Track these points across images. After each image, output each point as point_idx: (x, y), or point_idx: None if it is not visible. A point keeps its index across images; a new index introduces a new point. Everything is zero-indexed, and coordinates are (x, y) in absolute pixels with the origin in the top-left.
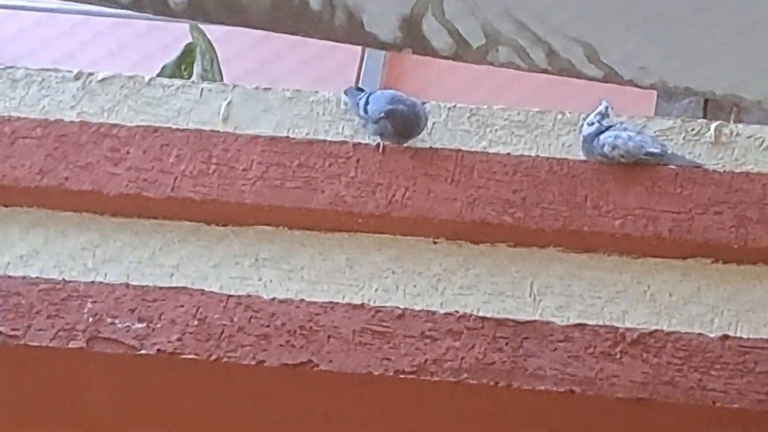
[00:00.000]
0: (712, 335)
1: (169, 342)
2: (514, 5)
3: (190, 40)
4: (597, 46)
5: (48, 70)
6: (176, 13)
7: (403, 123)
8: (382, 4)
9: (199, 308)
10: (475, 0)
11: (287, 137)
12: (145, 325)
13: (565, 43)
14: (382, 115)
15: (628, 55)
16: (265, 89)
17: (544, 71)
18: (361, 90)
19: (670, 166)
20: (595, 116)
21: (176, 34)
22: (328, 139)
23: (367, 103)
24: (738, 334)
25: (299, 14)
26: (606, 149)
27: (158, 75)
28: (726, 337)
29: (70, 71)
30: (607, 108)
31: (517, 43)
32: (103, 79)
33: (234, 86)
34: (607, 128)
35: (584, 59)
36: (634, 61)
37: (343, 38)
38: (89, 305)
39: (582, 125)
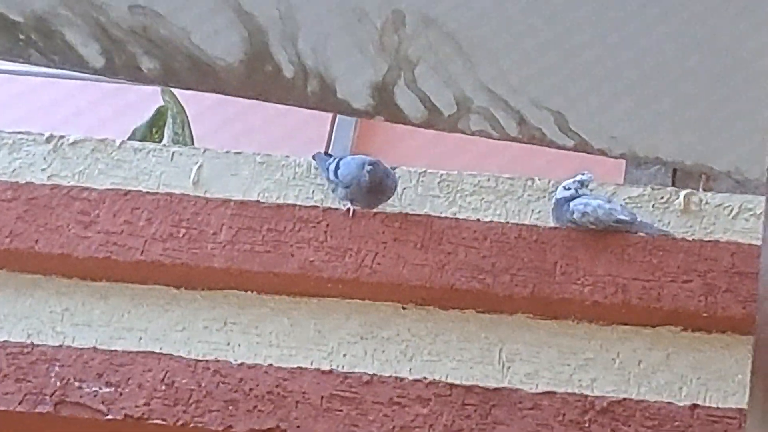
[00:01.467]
0: (680, 404)
1: (137, 407)
2: (486, 75)
3: (160, 101)
4: (568, 115)
5: (19, 132)
6: (149, 80)
7: (373, 188)
8: (354, 72)
9: (167, 373)
10: (447, 69)
11: (257, 201)
12: (112, 389)
13: (536, 112)
14: (354, 179)
15: (599, 125)
16: (236, 153)
17: (515, 139)
18: (330, 155)
19: (640, 234)
20: (573, 183)
21: (145, 94)
22: (298, 203)
23: (337, 167)
24: (707, 403)
25: (272, 81)
26: (576, 216)
27: (129, 138)
28: (695, 406)
29: (41, 134)
30: (587, 179)
31: (488, 112)
32: (74, 142)
33: (205, 150)
34: (578, 196)
35: (555, 128)
36: (605, 131)
37: (315, 105)
38: (57, 369)
39: (556, 190)
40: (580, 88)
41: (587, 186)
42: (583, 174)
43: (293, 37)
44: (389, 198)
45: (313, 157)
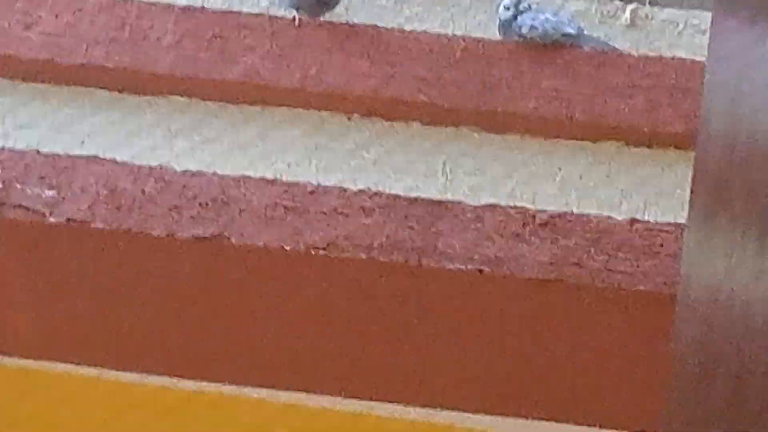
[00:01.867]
0: (620, 218)
1: (79, 210)
2: None
3: None
4: None
5: None
6: None
7: None
8: None
9: (110, 178)
10: None
11: (202, 7)
12: (54, 192)
13: None
14: None
15: None
16: None
17: None
18: None
19: (585, 48)
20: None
21: None
22: (244, 10)
23: None
24: (646, 218)
25: None
26: (524, 30)
27: None
28: (634, 220)
29: None
30: None
31: None
32: None
33: None
34: (524, 10)
35: None
36: None
37: None
38: None
39: (499, 5)
40: None
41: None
42: None
43: None
44: (336, 5)
45: None
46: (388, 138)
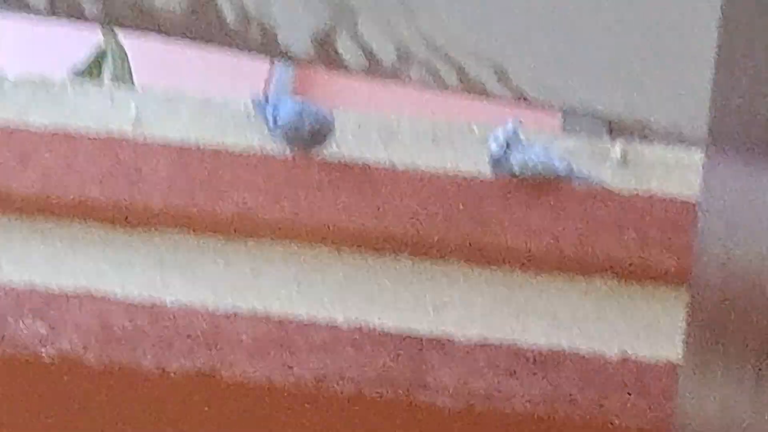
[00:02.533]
0: (611, 355)
1: (72, 347)
2: (427, 26)
3: (100, 37)
4: (508, 67)
5: None
6: (91, 19)
7: (311, 131)
8: (296, 20)
9: (102, 312)
10: (389, 19)
11: (196, 144)
12: (47, 327)
13: (476, 63)
14: (292, 125)
15: (538, 78)
16: (176, 95)
17: (455, 90)
18: (266, 100)
19: (575, 185)
20: (501, 133)
21: (86, 34)
22: (237, 146)
23: (275, 111)
24: (639, 355)
25: (214, 27)
26: (515, 167)
27: (68, 76)
28: (626, 358)
29: None
30: (515, 128)
31: (429, 63)
32: (14, 82)
33: (145, 90)
34: (515, 147)
35: (494, 80)
36: (544, 83)
37: (256, 51)
38: None
39: (489, 142)
40: (521, 41)
41: (516, 134)
42: (508, 123)
43: None
44: (327, 141)
45: (252, 102)
46: (378, 272)
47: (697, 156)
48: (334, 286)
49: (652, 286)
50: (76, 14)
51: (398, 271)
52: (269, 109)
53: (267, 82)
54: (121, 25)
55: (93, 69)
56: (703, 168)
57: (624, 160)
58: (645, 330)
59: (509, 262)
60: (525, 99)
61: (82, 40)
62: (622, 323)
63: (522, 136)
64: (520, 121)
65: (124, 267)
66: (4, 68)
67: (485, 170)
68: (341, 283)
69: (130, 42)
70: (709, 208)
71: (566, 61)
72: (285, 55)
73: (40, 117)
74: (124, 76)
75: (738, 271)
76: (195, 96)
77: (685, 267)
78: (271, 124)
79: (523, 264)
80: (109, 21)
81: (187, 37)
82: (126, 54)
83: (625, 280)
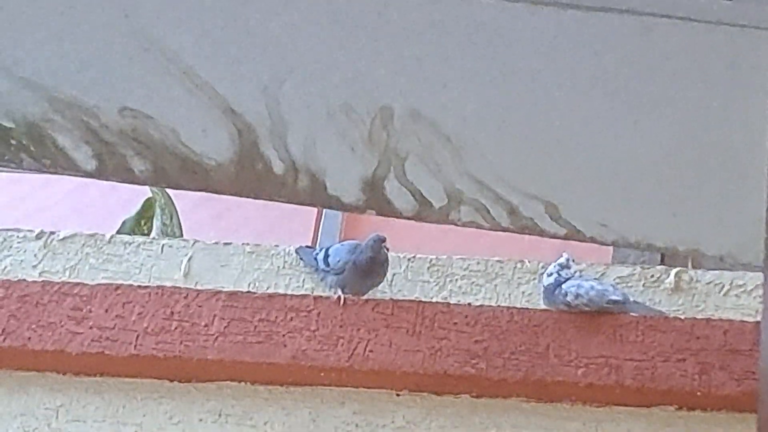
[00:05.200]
0: None
1: None
2: (476, 167)
3: (148, 192)
4: (559, 205)
5: (9, 229)
6: (141, 180)
7: (368, 269)
8: (344, 168)
9: None
10: (437, 162)
11: (248, 292)
12: None
13: (526, 201)
14: (346, 264)
15: (590, 214)
16: (225, 244)
17: (507, 229)
18: (311, 248)
19: (632, 314)
20: (555, 267)
21: (135, 188)
22: (289, 292)
23: (326, 255)
24: None
25: (263, 178)
26: (569, 298)
27: (118, 230)
28: None
29: (31, 230)
30: (567, 260)
31: (478, 203)
32: (64, 238)
33: (194, 242)
34: (568, 278)
35: (546, 218)
36: (596, 219)
37: (306, 201)
38: None
39: (542, 275)
40: (571, 178)
41: (569, 267)
42: (561, 256)
43: (282, 134)
44: (380, 282)
45: (297, 251)
46: (438, 413)
47: (752, 279)
48: (395, 429)
49: (714, 413)
50: (125, 174)
51: (458, 409)
52: (320, 255)
53: (315, 229)
54: (170, 184)
55: (142, 223)
56: (763, 289)
57: (678, 287)
58: None
59: (570, 395)
60: (578, 236)
61: (131, 194)
62: None
63: (575, 267)
64: (572, 258)
65: (182, 420)
66: (55, 225)
67: (539, 304)
68: (401, 425)
69: (178, 193)
70: None
71: (617, 195)
72: (334, 203)
73: (92, 273)
74: (173, 228)
75: None
76: (244, 244)
77: (747, 391)
78: (323, 268)
79: (583, 397)
80: (158, 180)
81: (236, 189)
82: (174, 206)
83: (688, 408)
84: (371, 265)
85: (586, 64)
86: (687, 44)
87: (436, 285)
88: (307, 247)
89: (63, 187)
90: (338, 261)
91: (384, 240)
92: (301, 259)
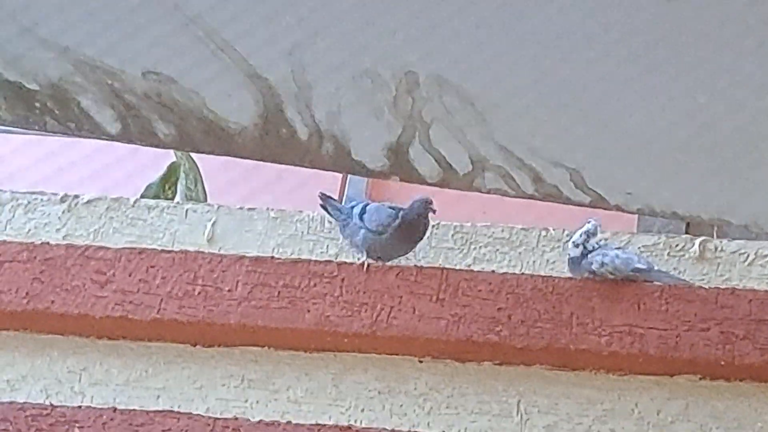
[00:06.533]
0: None
1: None
2: (501, 133)
3: (173, 156)
4: (584, 172)
5: (34, 192)
6: (165, 144)
7: (411, 231)
8: (369, 133)
9: None
10: (462, 128)
11: (272, 257)
12: None
13: (551, 168)
14: (390, 226)
15: (615, 181)
16: (250, 210)
17: (531, 197)
18: (333, 199)
19: (656, 283)
20: (581, 236)
21: (157, 150)
22: (313, 258)
23: (363, 212)
24: None
25: (287, 144)
26: (594, 266)
27: (142, 195)
28: None
29: (55, 194)
30: (595, 227)
31: (503, 170)
32: (88, 201)
33: (218, 207)
34: (593, 249)
35: (571, 185)
36: (621, 187)
37: (330, 167)
38: (77, 430)
39: (567, 243)
40: (596, 145)
41: (595, 234)
42: (588, 222)
43: (308, 99)
44: (411, 249)
45: (323, 205)
46: (461, 379)
47: None
48: (417, 395)
49: (737, 382)
50: (150, 138)
51: (481, 377)
52: (354, 209)
53: (340, 194)
54: (194, 148)
55: (167, 187)
56: None
57: (702, 256)
58: (733, 427)
59: (593, 364)
60: (603, 204)
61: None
62: (710, 421)
63: (600, 236)
64: (598, 222)
65: (205, 385)
66: (79, 189)
67: (563, 272)
68: (424, 391)
69: (204, 160)
70: None
71: (643, 162)
72: (359, 168)
73: (115, 237)
74: (197, 193)
75: None
76: (269, 209)
77: None
78: (358, 223)
79: (606, 365)
80: (182, 144)
81: (260, 154)
82: (199, 171)
83: (711, 378)
84: (416, 227)
85: (616, 28)
86: (720, 9)
87: (460, 252)
88: (331, 198)
89: (83, 150)
90: (376, 221)
91: (431, 202)
92: (324, 208)
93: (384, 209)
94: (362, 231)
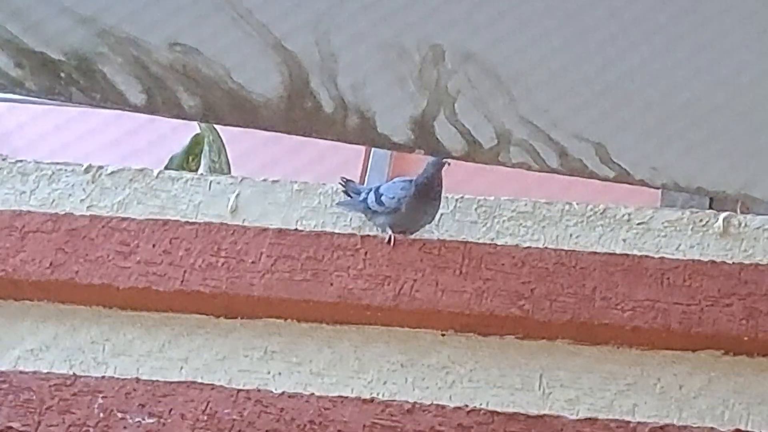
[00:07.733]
0: (723, 429)
1: None
2: (526, 107)
3: (197, 128)
4: (609, 146)
5: (58, 163)
6: (190, 116)
7: (425, 192)
8: (394, 106)
9: (209, 403)
10: (487, 102)
11: (295, 230)
12: (155, 420)
13: (576, 143)
14: (404, 198)
15: (640, 156)
16: (273, 182)
17: (556, 171)
18: (356, 193)
19: (678, 258)
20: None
21: (181, 122)
22: (336, 231)
23: (380, 195)
24: (749, 428)
25: (312, 116)
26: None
27: (166, 166)
28: (737, 431)
29: (80, 164)
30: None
31: (528, 144)
32: (112, 172)
33: (242, 179)
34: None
35: (596, 159)
36: (646, 161)
37: (355, 139)
38: (100, 400)
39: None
40: (621, 118)
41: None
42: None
43: (333, 72)
44: (431, 218)
45: (345, 191)
46: (483, 353)
47: None
48: (439, 368)
49: (760, 358)
50: (174, 109)
51: (503, 351)
52: (370, 195)
53: (364, 168)
54: (219, 119)
55: (190, 159)
56: None
57: (726, 232)
58: (756, 402)
59: (615, 338)
60: (628, 178)
61: (179, 130)
62: (732, 396)
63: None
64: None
65: (228, 356)
66: (102, 159)
67: (587, 246)
68: (446, 364)
69: (226, 129)
70: None
71: (668, 137)
72: (383, 142)
73: (139, 208)
74: (221, 164)
75: None
76: (293, 182)
77: None
78: (375, 206)
79: (629, 340)
80: (207, 115)
81: (285, 126)
82: (223, 143)
83: (734, 353)
84: (430, 187)
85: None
86: None
87: (483, 226)
88: (347, 194)
89: (101, 117)
90: (392, 198)
91: (443, 160)
92: (346, 194)
93: (397, 183)
94: (382, 217)
